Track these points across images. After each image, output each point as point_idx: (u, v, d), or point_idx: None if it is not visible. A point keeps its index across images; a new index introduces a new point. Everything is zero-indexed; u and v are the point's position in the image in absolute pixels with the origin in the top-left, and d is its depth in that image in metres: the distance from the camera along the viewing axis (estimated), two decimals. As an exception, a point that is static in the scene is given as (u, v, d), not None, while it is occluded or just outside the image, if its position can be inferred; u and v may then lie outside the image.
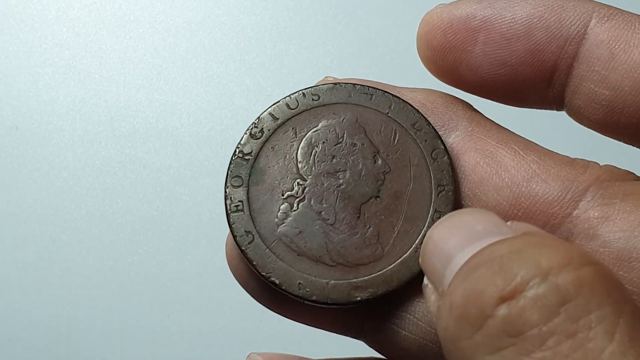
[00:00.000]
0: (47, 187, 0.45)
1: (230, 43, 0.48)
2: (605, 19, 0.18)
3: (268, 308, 0.20)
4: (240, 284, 0.20)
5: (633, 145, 0.19)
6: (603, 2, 0.18)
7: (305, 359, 0.19)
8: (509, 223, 0.16)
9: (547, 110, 0.20)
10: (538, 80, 0.19)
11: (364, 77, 0.20)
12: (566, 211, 0.18)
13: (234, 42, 0.48)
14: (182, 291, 0.44)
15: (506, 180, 0.18)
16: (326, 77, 0.20)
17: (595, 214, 0.18)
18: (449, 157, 0.19)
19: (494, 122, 0.20)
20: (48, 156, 0.46)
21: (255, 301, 0.20)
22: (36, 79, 0.47)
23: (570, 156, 0.19)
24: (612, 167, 0.19)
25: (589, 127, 0.19)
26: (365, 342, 0.20)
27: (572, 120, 0.19)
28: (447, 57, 0.19)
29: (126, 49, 0.48)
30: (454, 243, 0.15)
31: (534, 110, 0.20)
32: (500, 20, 0.18)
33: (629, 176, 0.18)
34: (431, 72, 0.20)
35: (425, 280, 0.16)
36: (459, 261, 0.15)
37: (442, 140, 0.19)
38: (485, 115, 0.20)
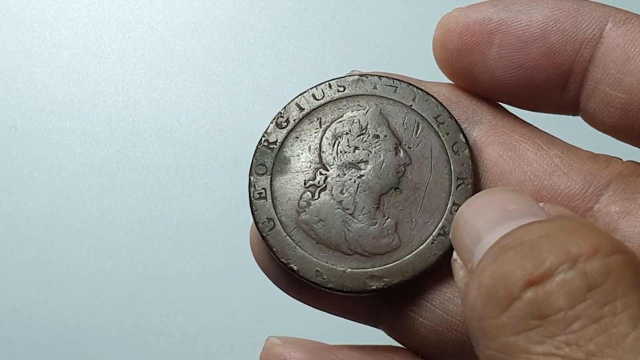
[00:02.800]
0: (46, 187, 0.45)
1: (229, 43, 0.48)
2: (622, 23, 0.18)
3: (288, 294, 0.20)
4: (262, 270, 0.20)
5: None
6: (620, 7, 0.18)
7: (322, 344, 0.20)
8: (541, 204, 0.16)
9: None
10: (553, 83, 0.19)
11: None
12: (587, 205, 0.18)
13: (233, 41, 0.48)
14: (182, 291, 0.44)
15: (528, 173, 0.18)
16: (353, 70, 0.21)
17: (617, 208, 0.18)
18: (470, 151, 0.19)
19: (518, 117, 0.20)
20: (47, 156, 0.46)
21: (277, 288, 0.20)
22: (35, 78, 0.47)
23: (594, 152, 0.19)
24: (635, 162, 0.19)
25: (604, 132, 0.19)
26: (384, 331, 0.20)
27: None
28: (462, 60, 0.19)
29: (125, 49, 0.48)
30: (485, 221, 0.15)
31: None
32: (516, 23, 0.18)
33: None
34: (447, 75, 0.20)
35: (455, 255, 0.16)
36: (489, 240, 0.15)
37: (464, 134, 0.19)
38: (510, 111, 0.20)
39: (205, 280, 0.44)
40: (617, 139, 0.19)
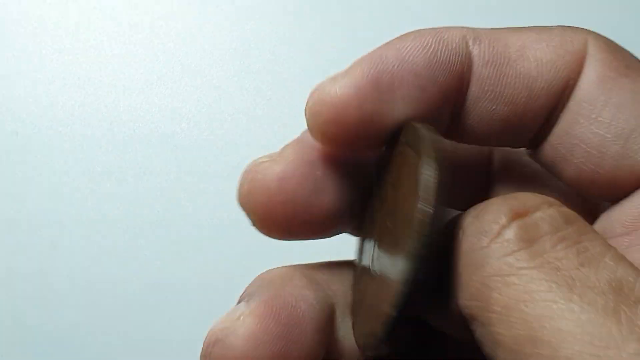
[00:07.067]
0: (48, 193, 0.45)
1: (230, 47, 0.48)
2: (477, 41, 0.17)
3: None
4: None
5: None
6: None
7: None
8: None
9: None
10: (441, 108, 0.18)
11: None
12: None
13: (234, 46, 0.48)
14: (184, 296, 0.44)
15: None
16: None
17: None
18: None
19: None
20: (48, 161, 0.46)
21: None
22: (36, 84, 0.47)
23: None
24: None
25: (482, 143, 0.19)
26: None
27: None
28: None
29: (126, 54, 0.48)
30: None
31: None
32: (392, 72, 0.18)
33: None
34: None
35: None
36: None
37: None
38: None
39: (206, 286, 0.44)
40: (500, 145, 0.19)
